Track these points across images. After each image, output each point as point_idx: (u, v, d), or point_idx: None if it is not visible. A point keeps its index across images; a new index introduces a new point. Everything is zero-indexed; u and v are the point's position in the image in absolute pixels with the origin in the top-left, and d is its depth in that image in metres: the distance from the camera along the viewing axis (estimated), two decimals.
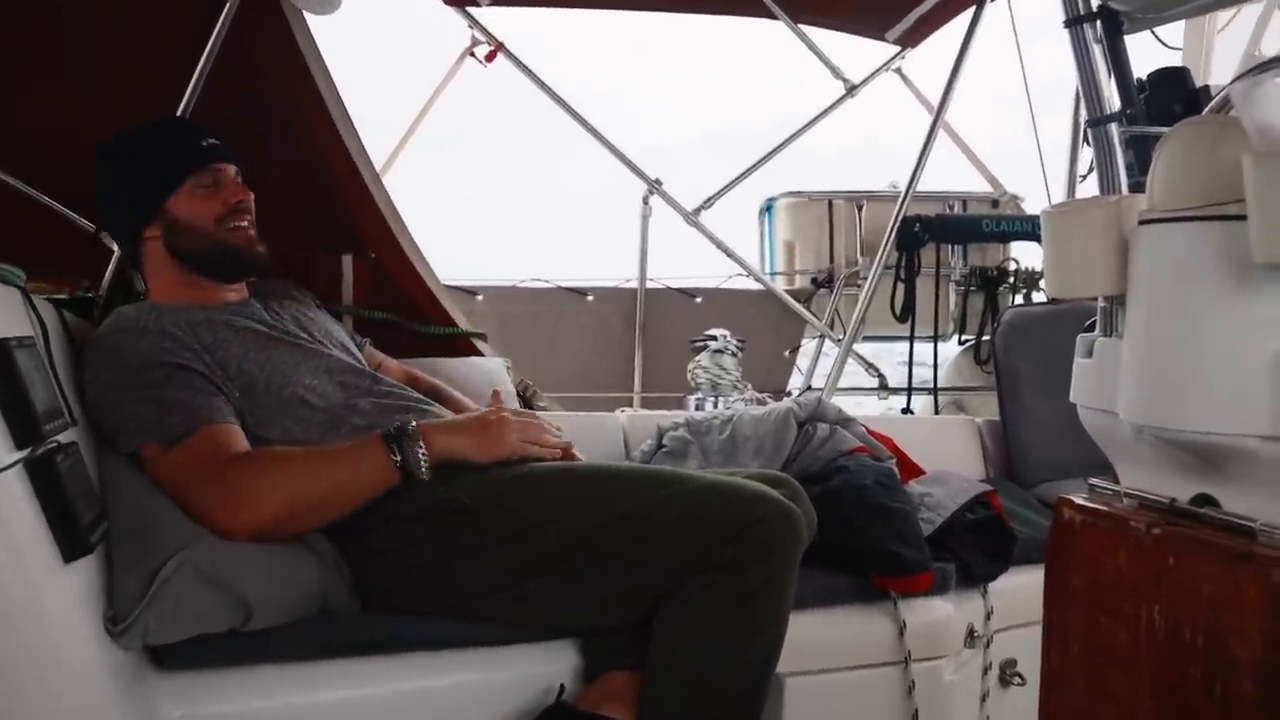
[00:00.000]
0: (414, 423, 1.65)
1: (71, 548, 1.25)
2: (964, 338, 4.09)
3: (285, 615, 1.52)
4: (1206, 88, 1.69)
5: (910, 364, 3.73)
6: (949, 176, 4.53)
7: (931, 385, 3.79)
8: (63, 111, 2.17)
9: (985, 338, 3.80)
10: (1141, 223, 1.12)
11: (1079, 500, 1.18)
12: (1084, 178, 3.02)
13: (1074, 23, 1.47)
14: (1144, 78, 1.74)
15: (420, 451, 1.61)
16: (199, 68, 2.20)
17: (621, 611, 1.61)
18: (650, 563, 1.57)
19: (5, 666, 1.13)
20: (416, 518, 1.63)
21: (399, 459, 1.60)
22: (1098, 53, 1.48)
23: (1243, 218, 0.97)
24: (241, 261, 1.84)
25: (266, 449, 1.63)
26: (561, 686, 1.59)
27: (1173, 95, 1.63)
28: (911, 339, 3.72)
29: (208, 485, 1.52)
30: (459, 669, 1.60)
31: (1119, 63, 1.55)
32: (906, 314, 3.72)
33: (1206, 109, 1.24)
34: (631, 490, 1.61)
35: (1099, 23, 1.49)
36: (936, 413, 3.72)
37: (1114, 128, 1.41)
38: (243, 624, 1.47)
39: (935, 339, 3.82)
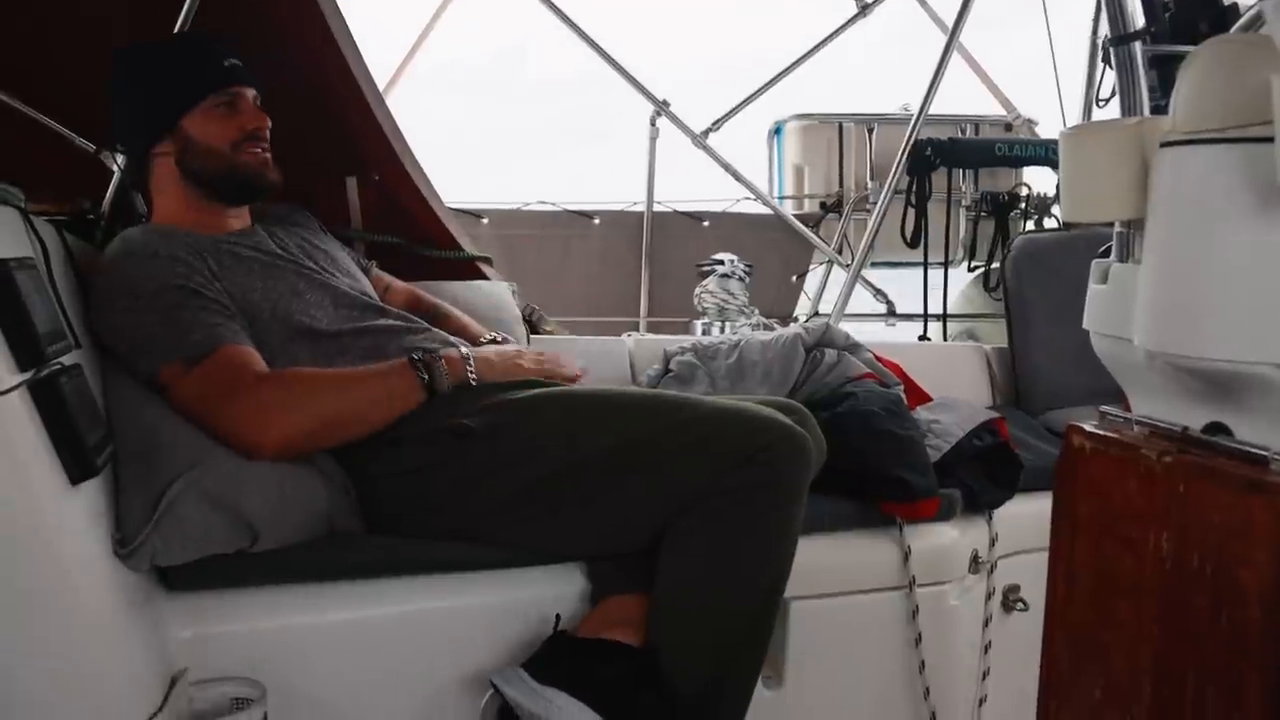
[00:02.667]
0: (440, 350, 1.71)
1: (78, 470, 1.25)
2: (974, 264, 4.05)
3: (292, 537, 1.53)
4: (1235, 5, 1.63)
5: (925, 291, 3.70)
6: (962, 99, 4.45)
7: (941, 312, 3.76)
8: (60, 30, 2.12)
9: (995, 264, 3.76)
10: (1163, 145, 1.09)
11: (1089, 427, 1.18)
12: (1104, 103, 2.96)
13: None
14: None
15: (443, 373, 1.66)
16: None
17: (628, 536, 1.61)
18: (657, 488, 1.57)
19: (16, 589, 1.14)
20: (422, 442, 1.64)
21: (426, 378, 1.65)
22: None
23: (1269, 140, 0.94)
24: (254, 185, 1.82)
25: (296, 369, 1.64)
26: (557, 617, 1.59)
27: (1200, 12, 1.57)
28: (925, 265, 3.68)
29: (236, 402, 1.53)
30: (464, 591, 1.62)
31: None
32: (918, 240, 3.68)
33: (1235, 26, 1.21)
34: (638, 415, 1.61)
35: None
36: (945, 339, 3.70)
37: (1137, 46, 1.37)
38: (250, 545, 1.48)
39: (946, 265, 3.78)
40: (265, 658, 1.48)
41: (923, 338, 3.67)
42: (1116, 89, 1.38)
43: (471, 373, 1.70)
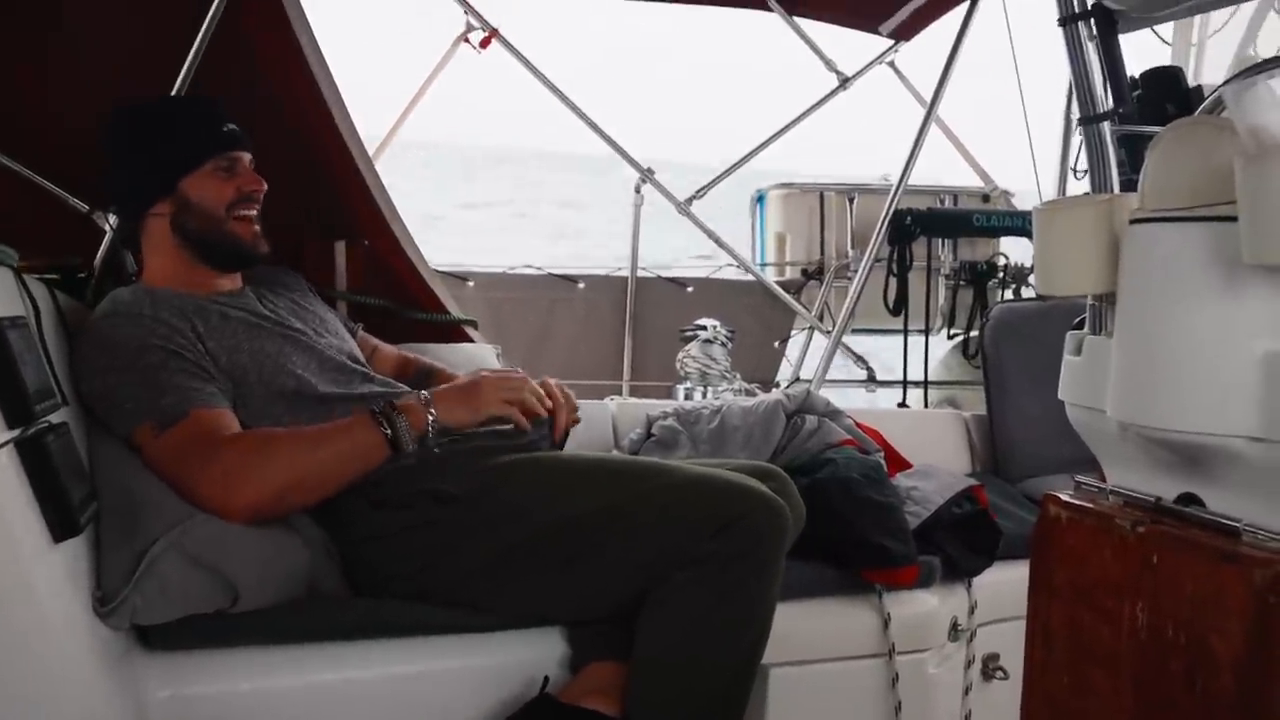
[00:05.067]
0: (395, 399, 1.66)
1: (61, 527, 1.25)
2: (952, 332, 4.10)
3: (273, 597, 1.52)
4: (1199, 88, 1.70)
5: (905, 358, 3.74)
6: (941, 170, 4.55)
7: (921, 379, 3.81)
8: (56, 92, 2.16)
9: (974, 332, 3.82)
10: (1132, 222, 1.13)
11: (1065, 497, 1.20)
12: (1081, 175, 3.04)
13: (1068, 21, 1.48)
14: (1137, 76, 1.74)
15: (404, 424, 1.61)
16: (193, 49, 2.19)
17: (606, 602, 1.61)
18: (635, 555, 1.58)
19: None
20: (403, 505, 1.64)
21: (389, 433, 1.60)
22: (1091, 51, 1.48)
23: (1233, 219, 0.98)
24: (243, 255, 1.82)
25: (258, 430, 1.64)
26: (546, 679, 1.59)
27: (1166, 94, 1.63)
28: (905, 333, 3.73)
29: (203, 468, 1.52)
30: (444, 655, 1.61)
31: (1113, 61, 1.56)
32: (899, 307, 3.73)
33: (1199, 109, 1.25)
34: (617, 482, 1.62)
35: (1093, 21, 1.50)
36: (926, 406, 3.73)
37: (1106, 126, 1.42)
38: (230, 605, 1.47)
39: (926, 333, 3.83)
40: None
41: (902, 404, 3.71)
42: (1087, 166, 1.43)
43: (432, 416, 1.63)
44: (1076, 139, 3.53)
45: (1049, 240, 1.26)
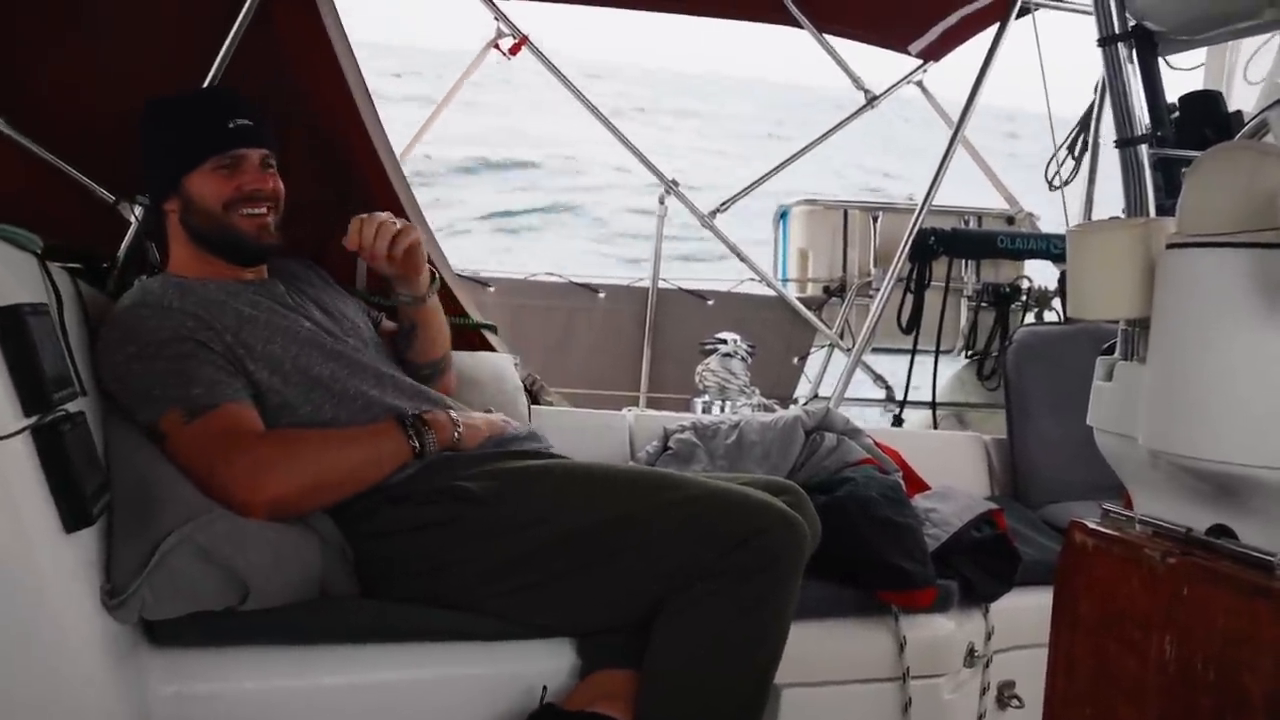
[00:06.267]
0: (425, 411, 1.73)
1: (73, 518, 1.25)
2: (971, 353, 4.07)
3: (283, 597, 1.51)
4: (1239, 113, 1.67)
5: (909, 376, 3.72)
6: (965, 191, 4.50)
7: (931, 400, 3.77)
8: (88, 83, 2.16)
9: (993, 353, 3.79)
10: (1169, 246, 1.11)
11: (1092, 525, 1.17)
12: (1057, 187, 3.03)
13: (1108, 41, 1.46)
14: (1174, 100, 1.72)
15: (431, 438, 1.68)
16: (225, 47, 2.19)
17: (620, 612, 1.60)
18: (651, 566, 1.56)
19: (1, 634, 1.13)
20: (424, 501, 1.64)
21: (416, 445, 1.66)
22: (1130, 72, 1.46)
23: (1275, 246, 0.96)
24: (244, 249, 1.81)
25: (287, 429, 1.65)
26: (544, 689, 1.57)
27: (1204, 118, 1.61)
28: (914, 351, 3.71)
29: (231, 460, 1.53)
30: (453, 661, 1.60)
31: (1151, 84, 1.54)
32: (913, 326, 3.70)
33: (1240, 134, 1.23)
34: (636, 493, 1.61)
35: (1133, 42, 1.48)
36: (935, 427, 3.70)
37: (1144, 149, 1.40)
38: (239, 603, 1.46)
39: (936, 352, 3.81)
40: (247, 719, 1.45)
41: (898, 419, 3.68)
42: (1122, 188, 1.40)
43: (458, 437, 1.73)
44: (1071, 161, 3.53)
45: (1082, 263, 1.24)
